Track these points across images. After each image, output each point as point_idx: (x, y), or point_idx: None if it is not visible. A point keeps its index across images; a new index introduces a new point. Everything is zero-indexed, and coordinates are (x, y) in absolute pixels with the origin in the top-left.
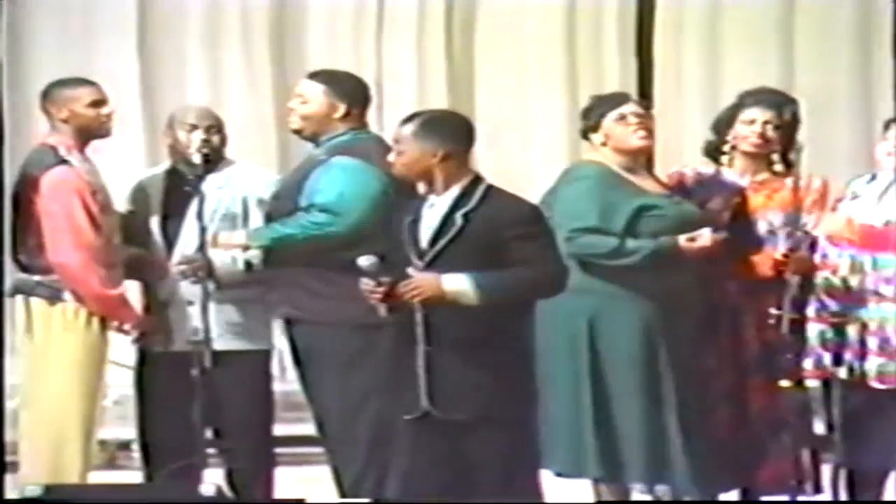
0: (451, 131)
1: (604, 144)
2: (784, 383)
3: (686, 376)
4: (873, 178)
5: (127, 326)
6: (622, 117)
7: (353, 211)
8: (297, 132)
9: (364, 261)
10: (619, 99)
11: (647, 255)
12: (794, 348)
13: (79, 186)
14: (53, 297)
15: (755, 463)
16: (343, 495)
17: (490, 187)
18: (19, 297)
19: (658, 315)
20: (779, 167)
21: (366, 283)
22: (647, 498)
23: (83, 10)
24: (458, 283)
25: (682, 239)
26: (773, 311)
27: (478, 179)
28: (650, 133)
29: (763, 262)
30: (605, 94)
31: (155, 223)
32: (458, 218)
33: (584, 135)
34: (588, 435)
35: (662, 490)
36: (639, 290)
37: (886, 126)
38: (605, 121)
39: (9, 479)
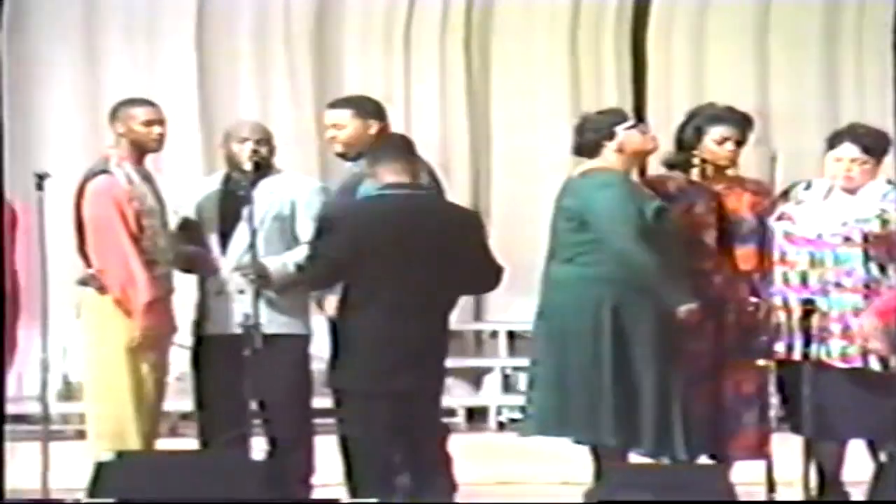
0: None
1: (618, 151)
2: (760, 363)
3: (686, 358)
4: (808, 186)
5: (137, 328)
6: (634, 126)
7: None
8: (342, 156)
9: None
10: (622, 113)
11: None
12: (769, 332)
13: (115, 194)
14: (102, 288)
15: (733, 432)
16: None
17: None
18: (80, 287)
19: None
20: (731, 172)
21: None
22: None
23: (148, 51)
24: None
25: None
26: (752, 299)
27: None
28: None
29: (745, 258)
30: (603, 110)
31: (212, 224)
32: None
33: (596, 145)
34: (607, 409)
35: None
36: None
37: (832, 144)
38: (620, 129)
39: (78, 445)
